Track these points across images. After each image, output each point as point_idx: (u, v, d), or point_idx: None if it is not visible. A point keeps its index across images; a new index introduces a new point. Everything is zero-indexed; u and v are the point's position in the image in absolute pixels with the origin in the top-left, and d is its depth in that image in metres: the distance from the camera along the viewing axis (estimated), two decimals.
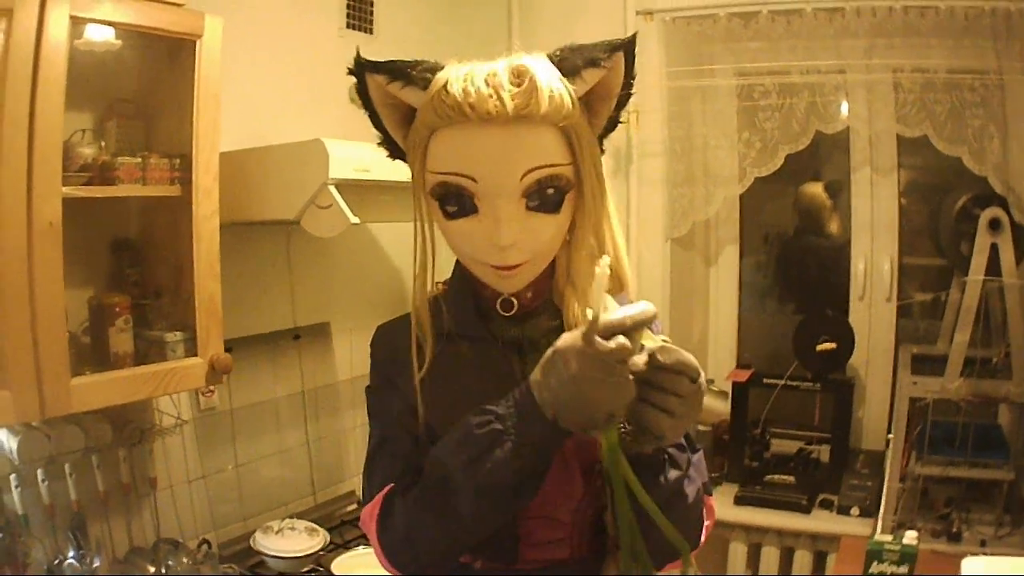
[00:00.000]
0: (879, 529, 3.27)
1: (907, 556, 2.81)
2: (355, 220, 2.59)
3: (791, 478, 3.89)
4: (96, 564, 2.53)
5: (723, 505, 3.64)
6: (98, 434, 2.54)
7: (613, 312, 1.22)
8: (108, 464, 2.62)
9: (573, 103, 1.35)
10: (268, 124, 3.07)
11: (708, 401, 2.43)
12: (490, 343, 1.50)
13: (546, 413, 1.25)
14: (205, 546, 2.90)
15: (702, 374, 1.25)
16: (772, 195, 4.44)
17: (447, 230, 1.43)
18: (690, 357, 1.24)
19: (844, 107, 3.95)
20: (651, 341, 1.27)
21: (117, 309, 2.45)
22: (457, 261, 1.54)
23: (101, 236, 2.61)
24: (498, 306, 1.50)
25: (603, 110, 1.45)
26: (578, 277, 1.46)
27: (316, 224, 2.66)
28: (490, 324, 1.51)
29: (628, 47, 1.41)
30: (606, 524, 1.46)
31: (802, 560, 3.68)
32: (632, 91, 1.45)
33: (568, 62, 1.37)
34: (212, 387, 2.95)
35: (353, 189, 2.64)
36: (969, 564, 2.68)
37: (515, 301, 1.49)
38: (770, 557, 3.75)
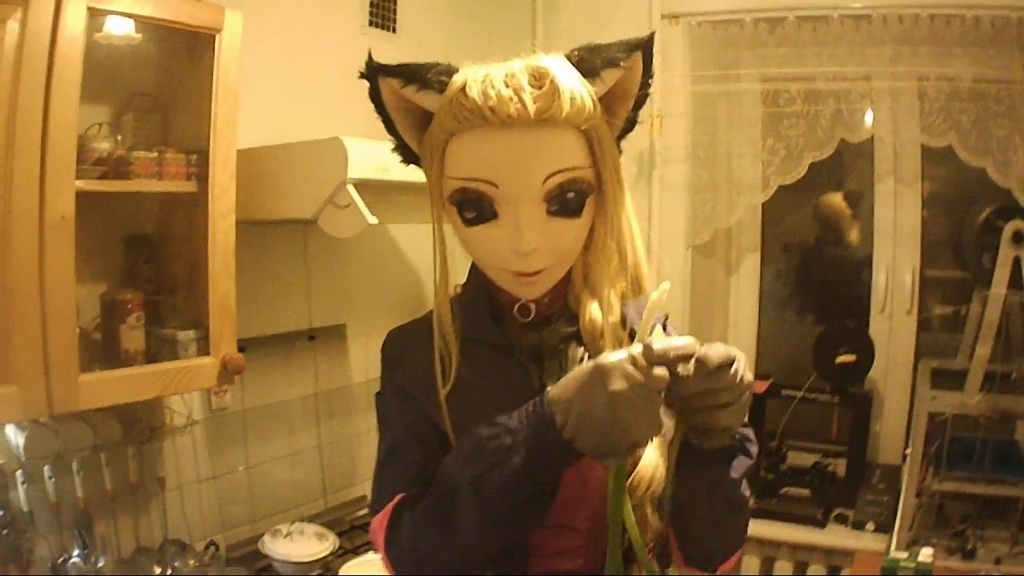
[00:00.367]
0: (894, 545, 3.23)
1: (922, 574, 2.77)
2: (373, 220, 2.55)
3: (807, 491, 3.87)
4: (101, 563, 2.50)
5: None
6: (107, 432, 2.52)
7: (664, 341, 1.19)
8: (116, 462, 2.59)
9: (594, 104, 1.32)
10: (287, 121, 3.04)
11: None
12: (507, 349, 1.46)
13: (562, 431, 1.21)
14: (212, 548, 2.88)
15: (739, 356, 1.23)
16: (793, 204, 4.40)
17: (466, 236, 1.40)
18: (722, 347, 1.22)
19: (869, 116, 3.92)
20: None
21: (129, 306, 2.43)
22: (473, 266, 1.51)
23: (116, 231, 2.59)
24: (516, 312, 1.47)
25: (621, 110, 1.42)
26: (596, 282, 1.44)
27: (333, 224, 2.63)
28: (506, 330, 1.48)
29: (646, 46, 1.39)
30: (627, 530, 1.41)
31: (816, 574, 3.64)
32: (649, 91, 1.43)
33: (587, 62, 1.34)
34: (225, 387, 2.93)
35: (372, 189, 2.61)
36: None
37: (533, 307, 1.46)
38: (784, 571, 3.72)
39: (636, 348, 1.18)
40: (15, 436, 2.35)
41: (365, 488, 3.57)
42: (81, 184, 2.15)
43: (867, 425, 3.93)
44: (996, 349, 3.21)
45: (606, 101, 1.38)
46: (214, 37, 2.42)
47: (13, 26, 1.97)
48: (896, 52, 3.75)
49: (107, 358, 2.41)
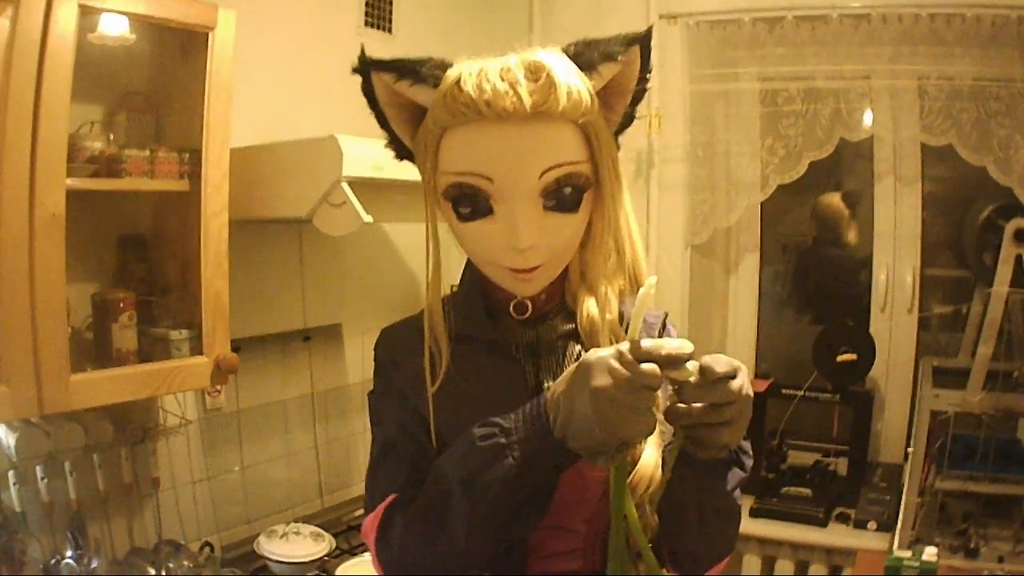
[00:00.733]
0: (896, 544, 3.22)
1: (926, 573, 2.76)
2: (368, 219, 2.55)
3: (808, 491, 3.85)
4: (94, 565, 2.49)
5: None
6: (99, 432, 2.51)
7: (654, 339, 1.19)
8: (109, 463, 2.58)
9: (591, 98, 1.31)
10: (281, 121, 3.03)
11: None
12: (502, 347, 1.45)
13: (555, 432, 1.20)
14: (207, 549, 2.86)
15: (742, 368, 1.22)
16: (793, 204, 4.40)
17: (461, 232, 1.38)
18: (726, 358, 1.21)
19: (868, 115, 3.91)
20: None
21: (122, 305, 2.42)
22: (468, 263, 1.50)
23: (108, 231, 2.58)
24: (512, 309, 1.45)
25: (619, 105, 1.40)
26: (593, 278, 1.42)
27: (328, 223, 2.62)
28: (502, 328, 1.47)
29: (644, 41, 1.37)
30: (631, 529, 1.40)
31: (817, 574, 3.62)
32: (648, 86, 1.41)
33: (584, 56, 1.32)
34: (219, 387, 2.92)
35: (367, 187, 2.60)
36: None
37: (529, 304, 1.44)
38: (785, 570, 3.71)
39: (625, 344, 1.16)
40: (6, 437, 2.34)
41: (361, 488, 3.50)
42: (72, 182, 2.14)
43: (868, 424, 3.93)
44: (998, 348, 3.20)
45: (604, 96, 1.36)
46: (207, 35, 2.41)
47: (3, 23, 1.96)
48: (896, 51, 3.74)
49: (99, 358, 2.40)
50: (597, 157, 1.34)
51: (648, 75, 1.40)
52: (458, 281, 1.54)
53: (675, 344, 1.17)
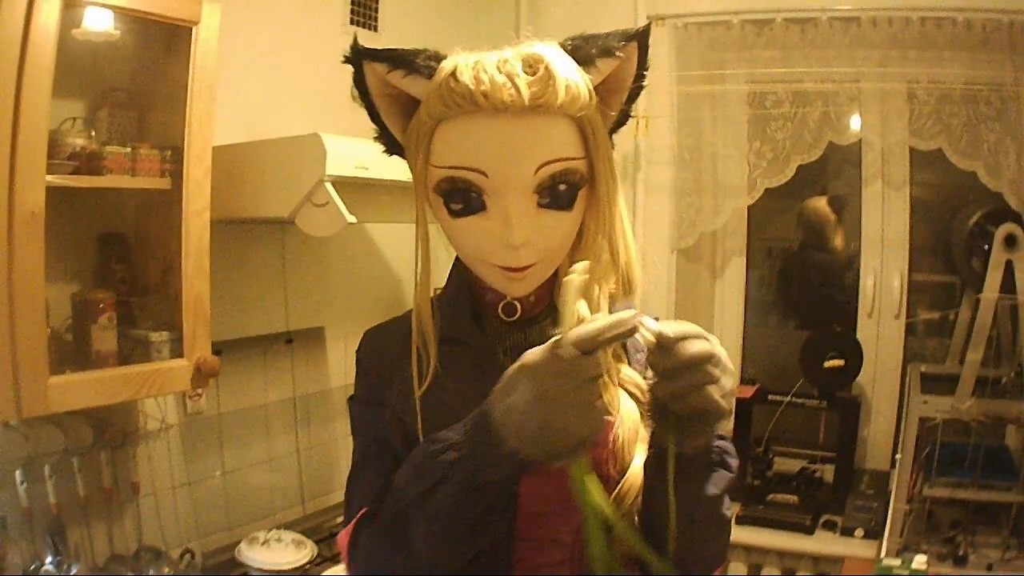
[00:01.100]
0: (884, 551, 3.21)
1: None
2: (352, 219, 2.51)
3: (794, 498, 3.84)
4: (74, 571, 2.47)
5: None
6: (79, 436, 2.49)
7: (588, 324, 1.13)
8: (89, 467, 2.56)
9: (589, 93, 1.28)
10: (265, 119, 3.01)
11: None
12: (487, 351, 1.41)
13: (504, 442, 1.14)
14: (188, 556, 2.83)
15: (702, 332, 1.19)
16: (780, 208, 4.39)
17: (451, 229, 1.34)
18: (685, 324, 1.19)
19: (857, 119, 3.90)
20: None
21: (101, 306, 2.39)
22: (455, 264, 1.46)
23: (88, 229, 2.55)
24: (500, 311, 1.41)
25: (615, 102, 1.37)
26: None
27: (311, 223, 2.59)
28: (488, 330, 1.43)
29: (642, 37, 1.36)
30: (608, 525, 1.36)
31: None
32: (644, 83, 1.38)
33: (582, 51, 1.30)
34: (199, 390, 2.88)
35: (351, 187, 2.58)
36: None
37: (518, 305, 1.40)
38: None
39: (557, 338, 1.12)
40: None
41: (343, 494, 3.52)
42: (52, 179, 2.11)
43: (855, 430, 3.91)
44: (986, 353, 3.19)
45: (600, 92, 1.33)
46: (191, 30, 2.39)
47: None
48: (885, 55, 3.74)
49: (78, 360, 2.36)
50: (593, 154, 1.31)
51: (645, 72, 1.38)
52: (443, 283, 1.50)
53: (611, 320, 1.12)
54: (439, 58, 1.28)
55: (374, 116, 1.38)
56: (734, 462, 1.36)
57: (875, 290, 4.10)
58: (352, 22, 3.51)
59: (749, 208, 4.21)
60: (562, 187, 1.28)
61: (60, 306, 2.39)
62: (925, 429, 3.32)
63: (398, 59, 1.29)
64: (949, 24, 3.57)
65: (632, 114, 1.42)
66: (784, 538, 3.63)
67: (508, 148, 1.24)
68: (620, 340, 1.14)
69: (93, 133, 2.40)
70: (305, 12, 3.32)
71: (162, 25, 2.38)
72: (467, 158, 1.26)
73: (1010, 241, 3.19)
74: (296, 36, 3.27)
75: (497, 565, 1.34)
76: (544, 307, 1.43)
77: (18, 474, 2.35)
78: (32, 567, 2.40)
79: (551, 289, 1.41)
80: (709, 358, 1.15)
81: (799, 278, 4.61)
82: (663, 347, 1.16)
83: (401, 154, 1.40)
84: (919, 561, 2.83)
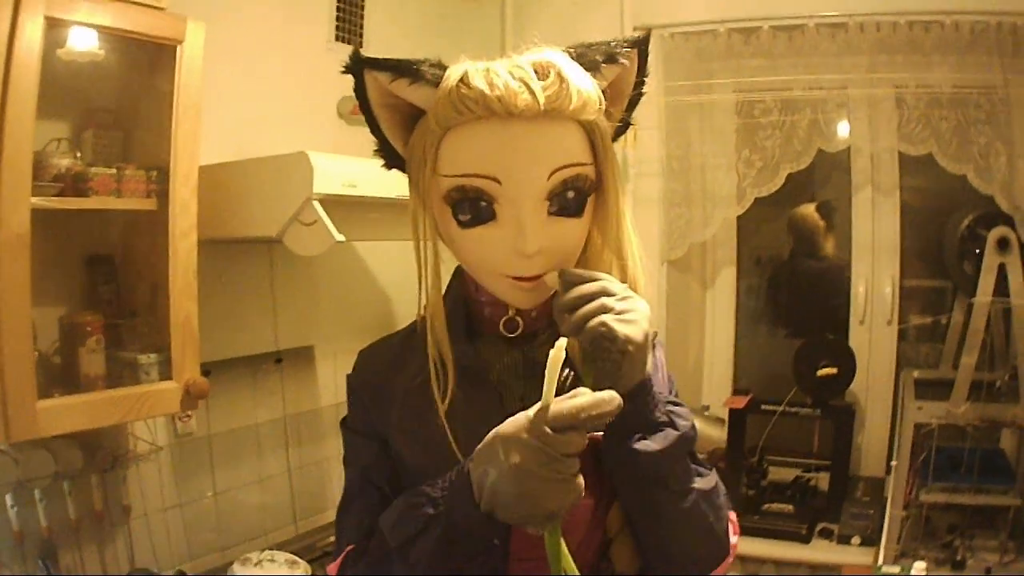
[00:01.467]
0: (881, 558, 3.21)
1: None
2: (340, 238, 2.49)
3: (789, 507, 3.82)
4: None
5: None
6: (69, 459, 2.47)
7: (569, 401, 1.11)
8: (80, 490, 2.55)
9: (599, 99, 1.27)
10: (251, 137, 2.99)
11: (703, 428, 2.35)
12: (479, 373, 1.38)
13: (481, 503, 1.15)
14: None
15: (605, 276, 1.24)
16: (770, 217, 4.38)
17: (459, 241, 1.31)
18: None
19: (846, 126, 3.90)
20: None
21: (89, 328, 2.38)
22: (451, 281, 1.44)
23: (75, 251, 2.54)
24: (502, 327, 1.39)
25: (615, 110, 1.36)
26: None
27: (299, 242, 2.57)
28: (483, 350, 1.40)
29: (642, 44, 1.36)
30: (612, 560, 1.35)
31: None
32: (644, 91, 1.38)
33: (586, 58, 1.29)
34: (189, 412, 2.86)
35: (339, 206, 2.55)
36: None
37: (520, 321, 1.39)
38: None
39: (536, 412, 1.11)
40: None
41: (335, 513, 3.51)
42: (37, 201, 2.10)
43: (850, 438, 3.90)
44: (980, 357, 3.19)
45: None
46: (176, 49, 2.38)
47: None
48: (873, 60, 3.74)
49: (66, 383, 2.35)
50: (601, 160, 1.30)
51: (644, 79, 1.38)
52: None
53: (594, 400, 1.11)
54: (442, 67, 1.26)
55: (374, 128, 1.35)
56: (684, 423, 1.31)
57: (867, 297, 4.09)
58: (337, 38, 3.50)
59: (739, 218, 4.20)
60: (571, 194, 1.27)
61: (47, 329, 2.38)
62: (920, 435, 3.31)
63: (403, 68, 1.27)
64: (937, 27, 3.57)
65: (632, 121, 1.43)
66: (780, 547, 3.61)
67: (521, 154, 1.23)
68: (601, 422, 1.11)
69: (78, 154, 2.40)
70: (290, 29, 3.31)
71: (147, 45, 2.38)
72: (479, 165, 1.24)
73: (1003, 244, 3.18)
74: (282, 54, 3.26)
75: None
76: (544, 323, 1.40)
77: (8, 498, 2.35)
78: None
79: (551, 303, 1.39)
80: (602, 291, 1.20)
81: (790, 287, 4.59)
82: (565, 284, 1.21)
83: (401, 167, 1.38)
84: (918, 568, 2.82)
